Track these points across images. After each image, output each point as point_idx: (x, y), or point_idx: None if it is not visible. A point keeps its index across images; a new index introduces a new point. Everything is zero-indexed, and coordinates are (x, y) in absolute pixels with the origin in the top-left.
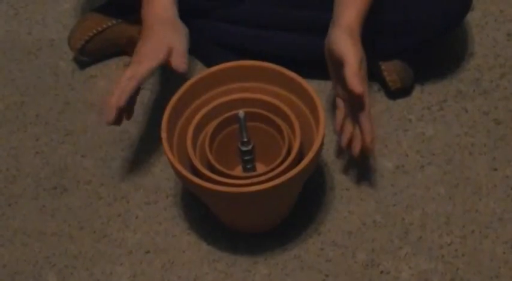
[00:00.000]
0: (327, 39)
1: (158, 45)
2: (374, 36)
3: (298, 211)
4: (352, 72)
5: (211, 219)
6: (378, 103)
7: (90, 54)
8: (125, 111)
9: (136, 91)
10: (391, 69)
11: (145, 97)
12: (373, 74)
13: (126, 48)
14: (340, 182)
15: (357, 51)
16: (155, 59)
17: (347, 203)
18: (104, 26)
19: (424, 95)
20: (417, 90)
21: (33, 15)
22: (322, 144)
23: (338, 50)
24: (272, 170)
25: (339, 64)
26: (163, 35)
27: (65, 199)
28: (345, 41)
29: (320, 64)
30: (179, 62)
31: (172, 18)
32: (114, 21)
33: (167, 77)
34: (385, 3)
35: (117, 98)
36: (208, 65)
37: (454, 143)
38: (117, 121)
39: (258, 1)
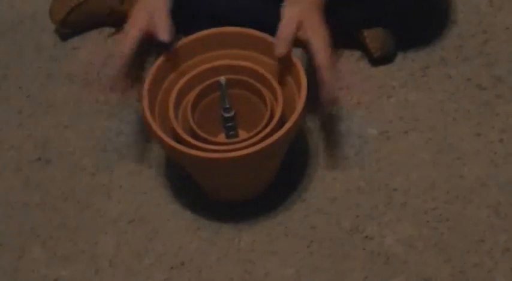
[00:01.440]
0: None
1: (140, 12)
2: (357, 2)
3: (282, 178)
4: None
5: (195, 188)
6: (360, 70)
7: (72, 26)
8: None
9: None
10: (374, 37)
11: None
12: (355, 42)
13: (107, 20)
14: (323, 149)
15: (291, 14)
16: (136, 27)
17: (331, 170)
18: None
19: (407, 62)
20: (400, 58)
21: None
22: (304, 108)
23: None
24: (255, 135)
25: None
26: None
27: (48, 170)
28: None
29: None
30: (161, 29)
31: None
32: None
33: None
34: None
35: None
36: (188, 34)
37: (437, 109)
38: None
39: None
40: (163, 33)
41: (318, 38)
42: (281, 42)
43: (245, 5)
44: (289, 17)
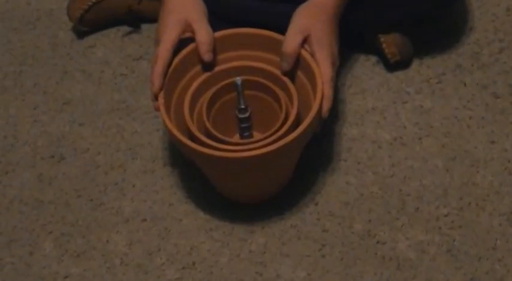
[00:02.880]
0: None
1: (175, 21)
2: (374, 7)
3: (295, 181)
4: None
5: (208, 188)
6: (376, 76)
7: (89, 24)
8: None
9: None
10: (391, 42)
11: (143, 66)
12: (372, 47)
13: (124, 18)
14: (338, 153)
15: (297, 29)
16: (171, 36)
17: (344, 174)
18: None
19: (423, 68)
20: (416, 64)
21: None
22: (319, 110)
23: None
24: (269, 136)
25: None
26: (181, 9)
27: (62, 167)
28: (296, 13)
29: None
30: (204, 50)
31: None
32: None
33: None
34: None
35: (155, 85)
36: None
37: (452, 116)
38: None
39: None
40: (206, 52)
41: (323, 53)
42: (285, 58)
43: (256, 6)
44: (295, 32)
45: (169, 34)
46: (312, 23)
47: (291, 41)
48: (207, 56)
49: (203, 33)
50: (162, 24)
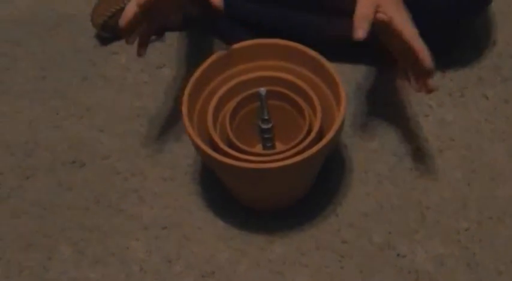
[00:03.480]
0: None
1: None
2: None
3: (316, 191)
4: (355, 15)
5: (228, 197)
6: (399, 88)
7: (112, 30)
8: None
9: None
10: None
11: (165, 74)
12: (393, 59)
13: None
14: (359, 164)
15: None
16: None
17: (365, 186)
18: (127, 2)
19: (445, 81)
20: (438, 77)
21: None
22: (342, 123)
23: None
24: (292, 148)
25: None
26: None
27: (82, 173)
28: None
29: (342, 46)
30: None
31: None
32: None
33: (187, 54)
34: None
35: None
36: (229, 43)
37: (473, 129)
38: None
39: None
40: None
41: (401, 14)
42: (359, 23)
43: (282, 15)
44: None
45: None
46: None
47: (364, 5)
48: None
49: None
50: None
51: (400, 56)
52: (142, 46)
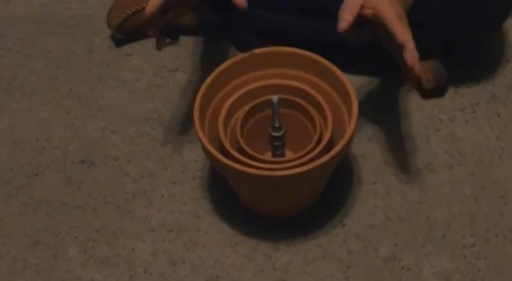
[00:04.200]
0: None
1: None
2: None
3: (324, 200)
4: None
5: (235, 202)
6: (410, 101)
7: (127, 32)
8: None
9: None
10: (427, 69)
11: (178, 78)
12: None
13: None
14: (368, 175)
15: None
16: None
17: (373, 197)
18: (143, 5)
19: (458, 96)
20: (451, 92)
21: None
22: (353, 134)
23: None
24: (302, 156)
25: None
26: None
27: (92, 173)
28: None
29: (355, 55)
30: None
31: None
32: None
33: (201, 59)
34: None
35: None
36: (242, 50)
37: (483, 146)
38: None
39: None
40: None
41: (390, 10)
42: (342, 13)
43: (294, 23)
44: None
45: None
46: None
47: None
48: None
49: None
50: None
51: (396, 55)
52: (162, 40)
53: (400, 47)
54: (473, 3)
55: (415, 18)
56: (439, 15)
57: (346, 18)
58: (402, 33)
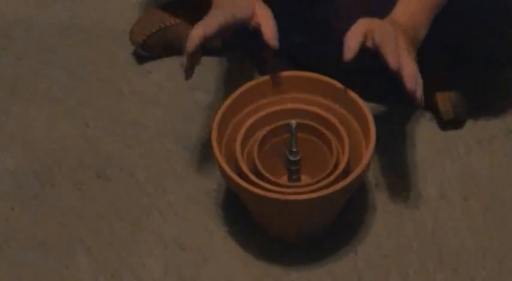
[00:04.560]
0: None
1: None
2: (432, 64)
3: (337, 227)
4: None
5: (249, 224)
6: (429, 131)
7: (150, 49)
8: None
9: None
10: (446, 100)
11: (198, 97)
12: (427, 103)
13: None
14: (383, 204)
15: (360, 21)
16: (235, 11)
17: (386, 226)
18: (167, 23)
19: (476, 128)
20: (469, 124)
21: (98, 4)
22: (370, 162)
23: None
24: (317, 182)
25: None
26: None
27: (108, 186)
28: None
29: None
30: (269, 33)
31: None
32: (177, 20)
33: (222, 79)
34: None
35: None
36: (262, 72)
37: (499, 179)
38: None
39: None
40: (270, 33)
41: (393, 44)
42: (346, 47)
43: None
44: (358, 23)
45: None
46: (379, 21)
47: (353, 30)
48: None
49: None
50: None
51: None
52: (192, 69)
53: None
54: (492, 37)
55: (433, 51)
56: (458, 48)
57: (352, 47)
58: (394, 58)
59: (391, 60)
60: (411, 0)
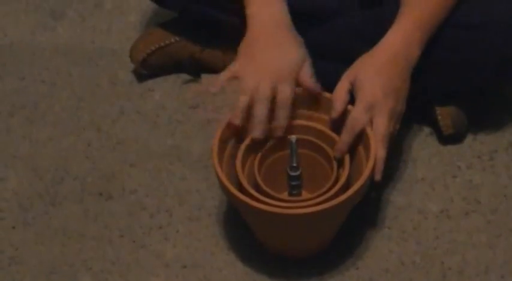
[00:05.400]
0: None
1: (290, 62)
2: (432, 78)
3: (338, 242)
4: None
5: (251, 241)
6: (429, 147)
7: (150, 67)
8: None
9: None
10: (446, 115)
11: (198, 115)
12: (427, 118)
13: (186, 66)
14: (384, 219)
15: (347, 79)
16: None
17: (388, 242)
18: (167, 41)
19: (476, 143)
20: (469, 138)
21: (98, 24)
22: (369, 177)
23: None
24: (318, 196)
25: None
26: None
27: (109, 205)
28: (353, 66)
29: None
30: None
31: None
32: (177, 38)
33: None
34: (443, 42)
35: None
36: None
37: (500, 194)
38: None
39: (324, 31)
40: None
41: (379, 128)
42: (335, 102)
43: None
44: (343, 76)
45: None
46: (360, 66)
47: (339, 85)
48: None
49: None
50: (278, 51)
51: None
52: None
53: None
54: (491, 54)
55: (433, 66)
56: (455, 65)
57: (335, 108)
58: (378, 146)
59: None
60: (403, 20)
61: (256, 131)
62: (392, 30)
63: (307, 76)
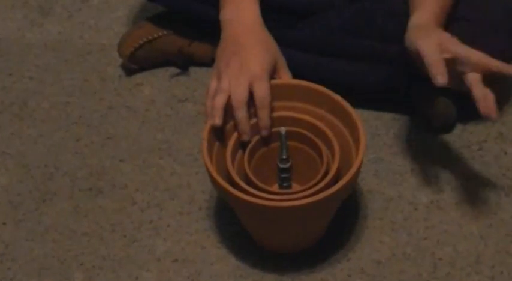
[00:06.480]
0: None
1: (263, 61)
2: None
3: (329, 235)
4: (428, 61)
5: (242, 235)
6: (418, 137)
7: (139, 62)
8: None
9: None
10: (435, 106)
11: (187, 108)
12: (417, 108)
13: (174, 59)
14: (374, 211)
15: (428, 41)
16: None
17: (379, 233)
18: (155, 35)
19: (465, 134)
20: (458, 129)
21: (86, 19)
22: (359, 169)
23: (413, 48)
24: (308, 188)
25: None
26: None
27: (99, 201)
28: (415, 39)
29: (368, 93)
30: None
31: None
32: (165, 32)
33: None
34: None
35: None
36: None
37: (490, 184)
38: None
39: (315, 26)
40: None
41: (455, 43)
42: (436, 69)
43: (309, 60)
44: (429, 44)
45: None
46: (437, 33)
47: (432, 51)
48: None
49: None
50: (250, 52)
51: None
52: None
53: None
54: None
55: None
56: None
57: (442, 72)
58: (485, 59)
59: (486, 63)
60: (432, 3)
61: (243, 135)
62: (425, 14)
63: (286, 76)
